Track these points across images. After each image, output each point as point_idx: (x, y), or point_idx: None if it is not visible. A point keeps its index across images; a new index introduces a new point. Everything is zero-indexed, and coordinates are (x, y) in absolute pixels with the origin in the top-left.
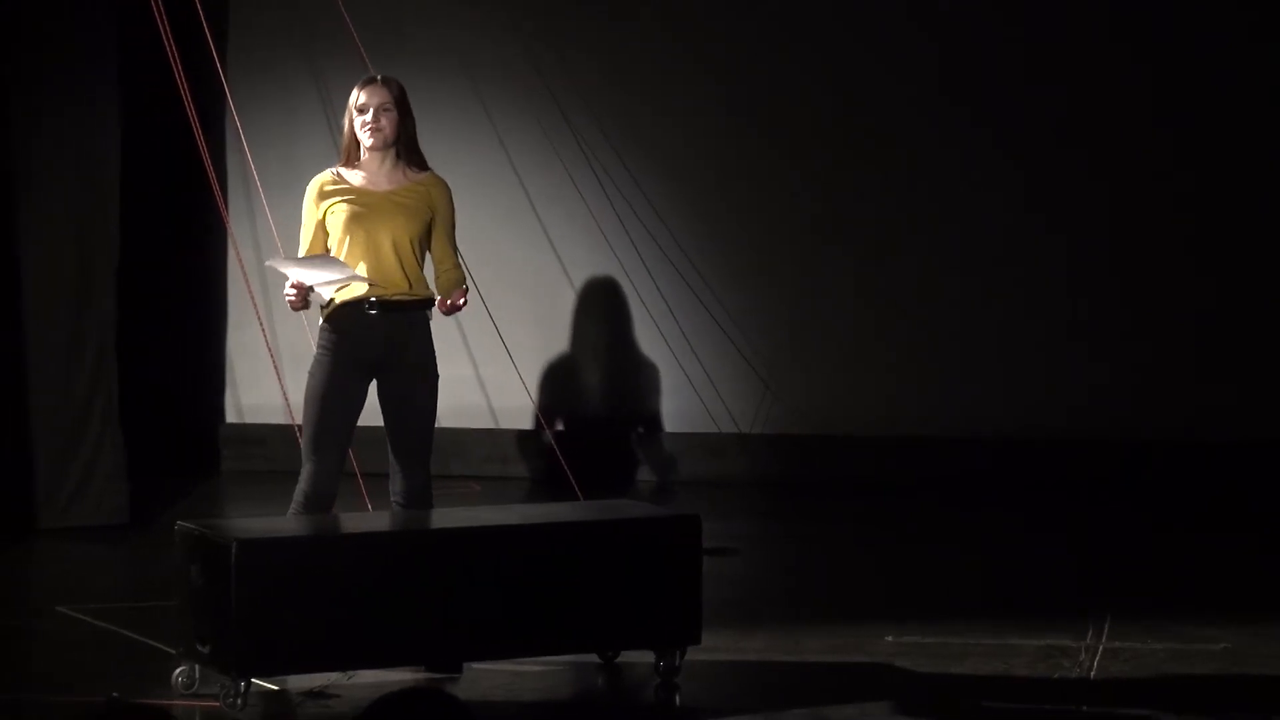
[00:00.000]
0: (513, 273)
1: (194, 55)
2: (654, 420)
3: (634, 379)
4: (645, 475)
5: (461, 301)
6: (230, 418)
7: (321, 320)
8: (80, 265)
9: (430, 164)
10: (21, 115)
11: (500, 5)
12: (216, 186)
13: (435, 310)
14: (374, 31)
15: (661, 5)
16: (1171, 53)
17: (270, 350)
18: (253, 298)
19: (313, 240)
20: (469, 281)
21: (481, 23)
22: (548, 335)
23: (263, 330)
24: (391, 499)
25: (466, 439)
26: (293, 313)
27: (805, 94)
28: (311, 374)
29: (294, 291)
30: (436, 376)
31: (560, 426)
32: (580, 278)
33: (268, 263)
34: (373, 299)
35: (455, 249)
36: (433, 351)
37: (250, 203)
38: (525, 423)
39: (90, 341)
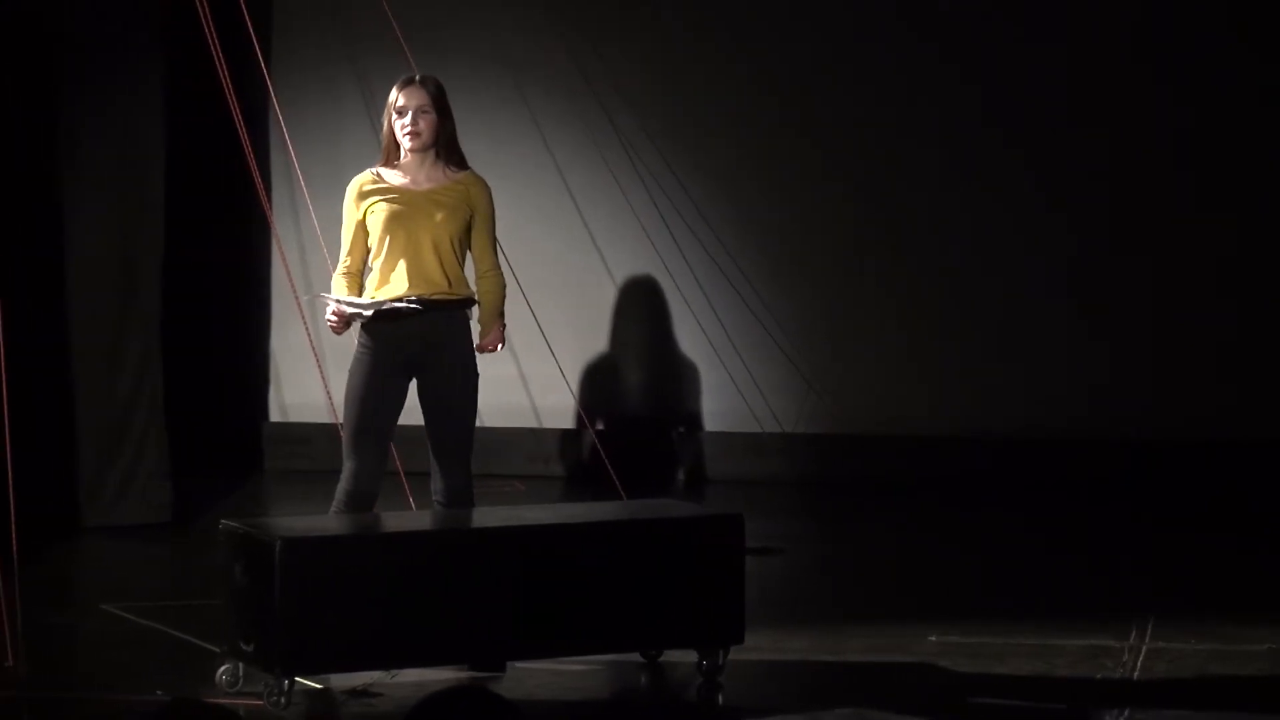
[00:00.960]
0: (555, 272)
1: (238, 53)
2: (696, 419)
3: (676, 378)
4: (687, 474)
5: (500, 346)
6: (274, 416)
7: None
8: (125, 263)
9: (473, 163)
10: (67, 114)
11: (543, 4)
12: (260, 185)
13: (475, 311)
14: (417, 30)
15: (706, 6)
16: (1181, 53)
17: (314, 349)
18: (296, 296)
19: (354, 240)
20: (511, 280)
21: (524, 22)
22: (590, 334)
23: (306, 329)
24: (432, 499)
25: (509, 438)
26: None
27: (847, 95)
28: (351, 372)
29: (335, 318)
30: (476, 376)
31: (602, 426)
32: (623, 277)
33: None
34: (413, 298)
35: (495, 248)
36: (472, 351)
37: (294, 201)
38: (568, 422)
39: (135, 339)
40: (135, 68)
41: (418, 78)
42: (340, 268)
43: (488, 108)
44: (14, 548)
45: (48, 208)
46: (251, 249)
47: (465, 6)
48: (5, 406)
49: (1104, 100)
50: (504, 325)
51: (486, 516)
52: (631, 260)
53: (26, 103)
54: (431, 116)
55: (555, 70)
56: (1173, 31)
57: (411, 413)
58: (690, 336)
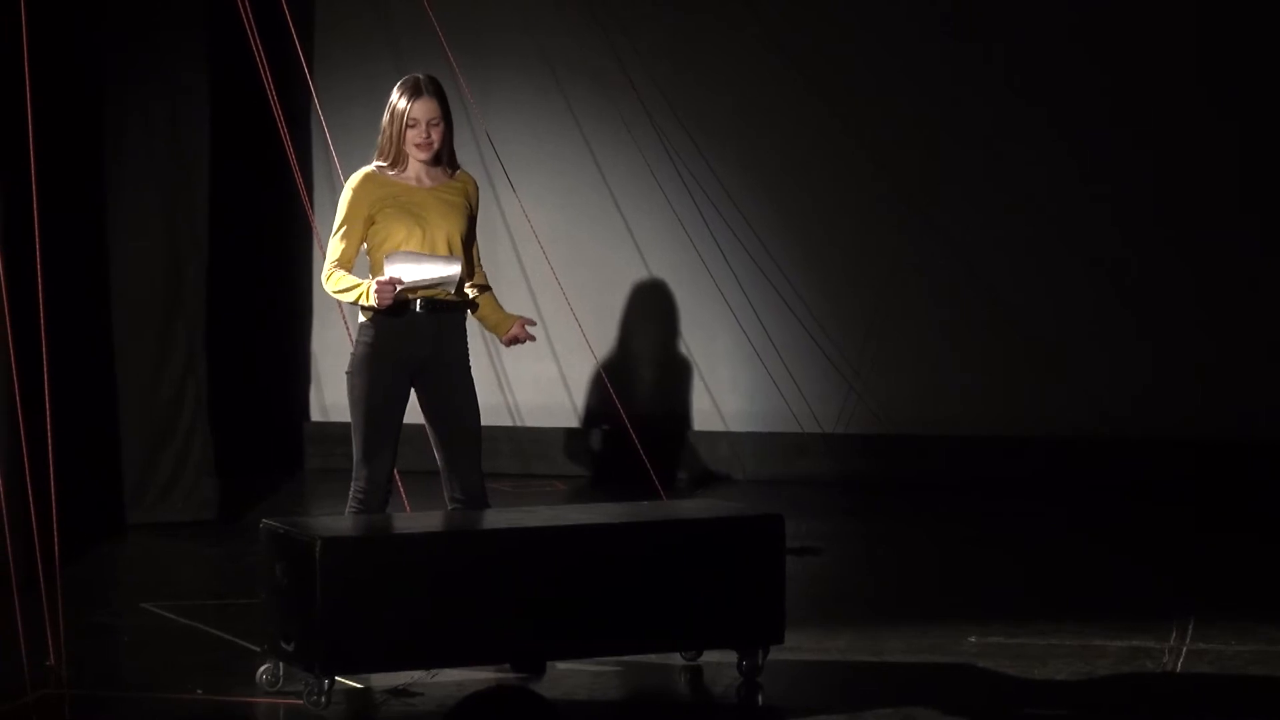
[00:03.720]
0: (596, 270)
1: (281, 54)
2: (737, 419)
3: (716, 378)
4: (727, 474)
5: (530, 331)
6: (315, 415)
7: (363, 317)
8: (170, 263)
9: (512, 161)
10: (112, 115)
11: (584, 2)
12: (302, 185)
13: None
14: (458, 28)
15: (746, 3)
16: (1229, 52)
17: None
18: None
19: (351, 235)
20: (551, 280)
21: (565, 20)
22: (629, 334)
23: (347, 328)
24: (449, 504)
25: (549, 438)
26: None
27: (889, 94)
28: (356, 374)
29: (387, 284)
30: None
31: (643, 425)
32: (664, 276)
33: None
34: (423, 300)
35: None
36: (468, 351)
37: (335, 201)
38: (608, 421)
39: (180, 339)
40: (179, 69)
41: (423, 84)
42: (332, 262)
43: (528, 106)
44: (56, 545)
45: (93, 208)
46: (294, 249)
47: (506, 5)
48: (49, 404)
49: (1147, 101)
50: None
51: (526, 516)
52: (671, 259)
53: (72, 103)
54: (441, 127)
55: (595, 68)
56: (1219, 33)
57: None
58: (730, 336)
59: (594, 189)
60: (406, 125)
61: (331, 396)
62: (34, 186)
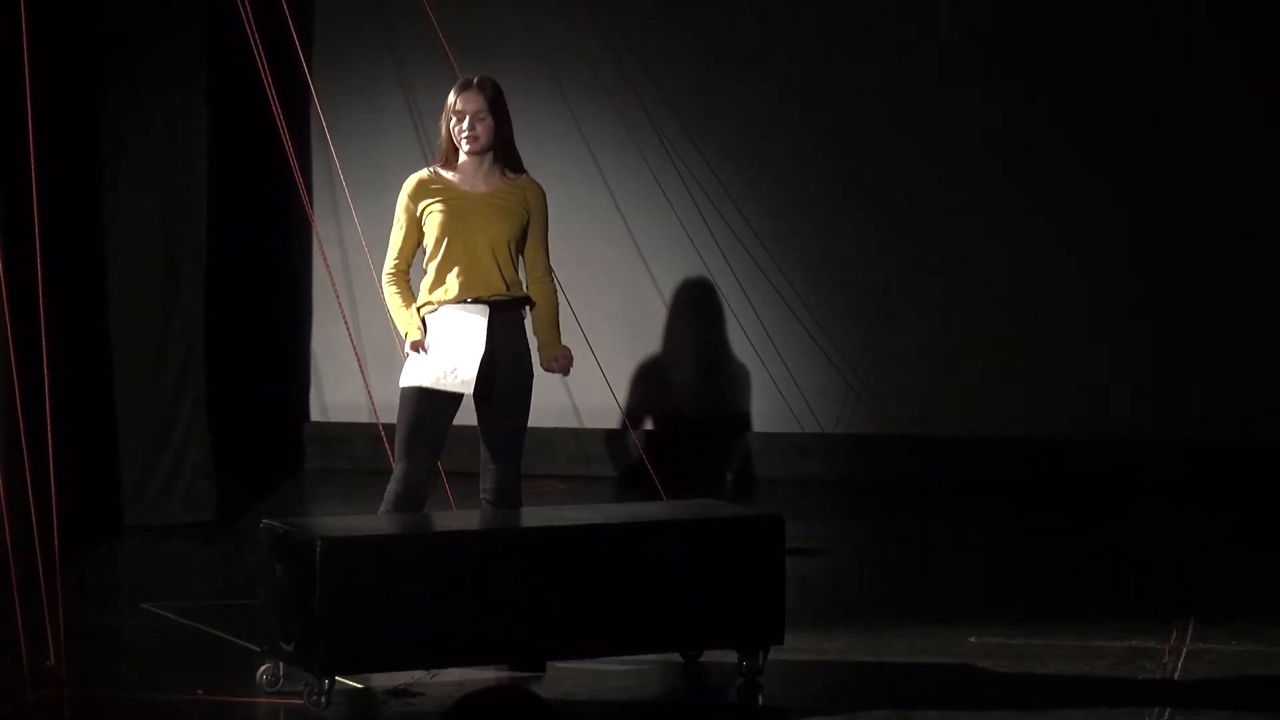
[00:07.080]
0: (598, 273)
1: (281, 54)
2: (738, 420)
3: (718, 379)
4: (728, 475)
5: (570, 369)
6: (315, 416)
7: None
8: (168, 263)
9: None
10: (111, 114)
11: (585, 8)
12: (302, 186)
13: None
14: (459, 31)
15: (748, 9)
16: (1238, 58)
17: (355, 349)
18: (338, 297)
19: (405, 238)
20: (556, 283)
21: (567, 26)
22: (633, 335)
23: (347, 329)
24: (481, 496)
25: (552, 438)
26: (378, 312)
27: (890, 92)
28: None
29: (420, 349)
30: (531, 375)
31: (645, 426)
32: (665, 278)
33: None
34: (469, 300)
35: (547, 254)
36: (528, 351)
37: (335, 201)
38: (610, 422)
39: (178, 340)
40: (179, 69)
41: (475, 81)
42: (388, 267)
43: (530, 108)
44: (56, 547)
45: (91, 208)
46: (293, 249)
47: (506, 5)
48: (49, 405)
49: (1148, 101)
50: (571, 358)
51: (527, 517)
52: (674, 262)
53: (72, 103)
54: (488, 121)
55: (598, 73)
56: (1219, 33)
57: (459, 412)
58: (732, 337)
59: (594, 190)
60: (454, 117)
61: (332, 397)
62: (34, 186)
